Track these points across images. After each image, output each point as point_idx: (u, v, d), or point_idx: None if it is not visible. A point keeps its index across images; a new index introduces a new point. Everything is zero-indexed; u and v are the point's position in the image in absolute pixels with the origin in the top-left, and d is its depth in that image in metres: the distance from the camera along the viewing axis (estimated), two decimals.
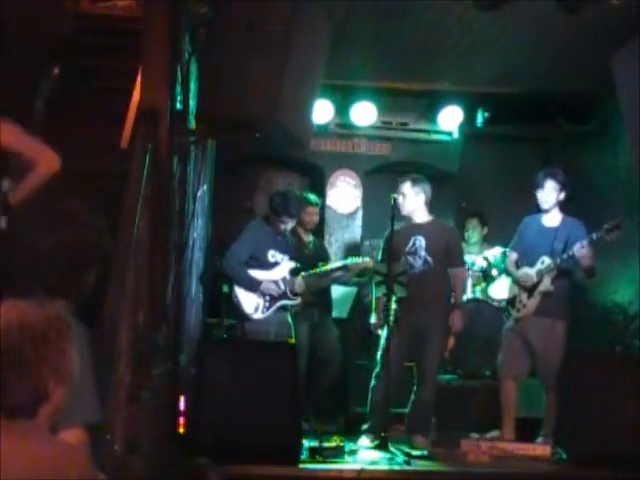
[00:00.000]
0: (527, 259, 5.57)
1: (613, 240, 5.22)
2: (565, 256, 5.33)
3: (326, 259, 6.39)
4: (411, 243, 5.56)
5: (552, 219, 5.57)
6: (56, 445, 1.85)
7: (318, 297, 6.23)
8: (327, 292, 6.44)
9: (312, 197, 6.57)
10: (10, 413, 1.77)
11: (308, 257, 6.21)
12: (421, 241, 5.54)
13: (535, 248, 5.55)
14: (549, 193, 5.52)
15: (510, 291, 5.72)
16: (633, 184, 6.12)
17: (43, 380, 1.79)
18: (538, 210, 5.67)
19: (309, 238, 6.48)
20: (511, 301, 5.64)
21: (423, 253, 5.52)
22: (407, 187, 5.61)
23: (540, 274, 5.44)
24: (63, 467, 1.76)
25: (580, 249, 5.23)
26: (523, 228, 5.73)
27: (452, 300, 5.73)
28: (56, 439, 1.91)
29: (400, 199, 5.58)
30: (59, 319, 1.86)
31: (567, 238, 5.42)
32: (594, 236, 5.24)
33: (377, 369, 5.40)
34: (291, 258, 5.94)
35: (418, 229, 5.61)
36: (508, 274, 5.89)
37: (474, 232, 7.10)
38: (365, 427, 5.39)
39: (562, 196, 5.53)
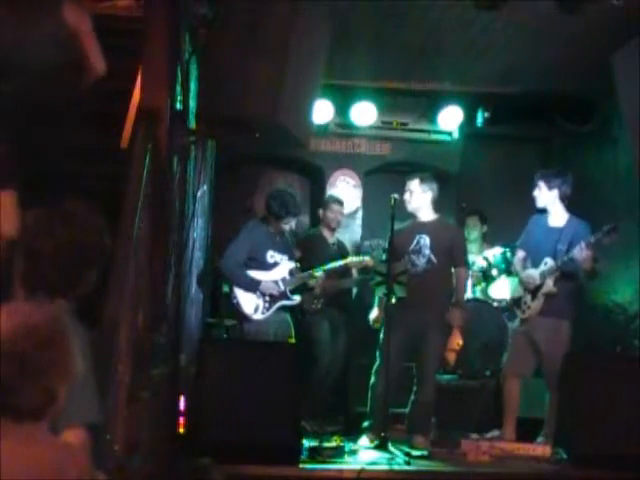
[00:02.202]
0: (532, 259, 5.57)
1: (611, 243, 5.22)
2: (565, 258, 5.33)
3: None
4: (415, 241, 5.54)
5: (557, 219, 5.56)
6: (56, 445, 1.85)
7: (339, 299, 6.22)
8: (348, 295, 6.42)
9: (334, 195, 6.57)
10: (19, 417, 1.76)
11: (332, 260, 6.18)
12: (425, 240, 5.53)
13: (540, 248, 5.54)
14: (539, 193, 5.55)
15: (515, 291, 5.72)
16: (633, 184, 6.12)
17: (53, 382, 1.79)
18: (539, 210, 5.67)
19: (333, 239, 6.46)
20: (516, 302, 5.64)
21: (427, 252, 5.50)
22: (415, 184, 5.60)
23: (543, 276, 5.43)
24: (63, 467, 1.77)
25: (579, 252, 5.22)
26: (531, 226, 5.72)
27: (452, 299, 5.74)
28: (56, 439, 1.91)
29: (407, 195, 5.59)
30: (59, 320, 1.86)
31: (571, 239, 5.40)
32: (592, 239, 5.24)
33: (376, 365, 5.40)
34: (290, 258, 5.94)
35: (423, 227, 5.60)
36: (510, 273, 5.88)
37: (474, 229, 7.11)
38: (366, 425, 5.40)
39: (558, 195, 5.52)
